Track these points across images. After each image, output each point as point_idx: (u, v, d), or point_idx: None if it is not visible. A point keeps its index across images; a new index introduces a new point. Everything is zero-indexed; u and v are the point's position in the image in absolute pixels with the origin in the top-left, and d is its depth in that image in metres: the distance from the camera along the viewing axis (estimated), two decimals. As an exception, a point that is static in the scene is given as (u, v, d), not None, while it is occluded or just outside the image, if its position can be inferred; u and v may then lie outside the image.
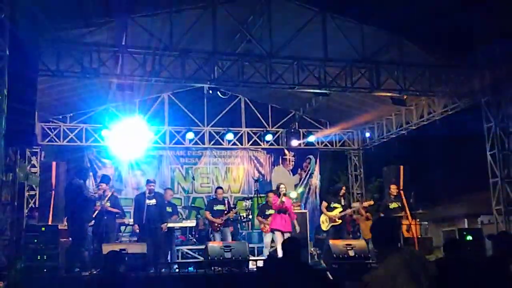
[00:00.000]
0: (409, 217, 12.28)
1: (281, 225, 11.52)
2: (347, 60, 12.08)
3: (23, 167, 12.60)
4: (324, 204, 12.43)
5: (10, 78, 7.99)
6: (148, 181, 11.84)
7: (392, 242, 4.13)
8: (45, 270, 9.31)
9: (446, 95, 13.04)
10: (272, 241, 12.27)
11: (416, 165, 15.76)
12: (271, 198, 11.98)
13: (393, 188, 12.62)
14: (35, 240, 9.49)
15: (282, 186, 11.96)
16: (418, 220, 12.45)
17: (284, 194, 11.81)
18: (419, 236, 12.42)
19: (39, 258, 9.41)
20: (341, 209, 12.15)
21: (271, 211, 12.27)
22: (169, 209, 12.24)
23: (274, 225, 11.65)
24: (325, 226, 12.22)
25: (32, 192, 14.52)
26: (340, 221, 12.10)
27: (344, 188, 12.80)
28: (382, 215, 12.51)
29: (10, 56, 8.04)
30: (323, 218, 12.34)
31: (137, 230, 11.74)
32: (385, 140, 16.51)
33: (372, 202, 13.38)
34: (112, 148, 15.21)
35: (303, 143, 16.79)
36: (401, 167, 14.30)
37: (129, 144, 14.75)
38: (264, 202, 12.99)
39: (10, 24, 8.05)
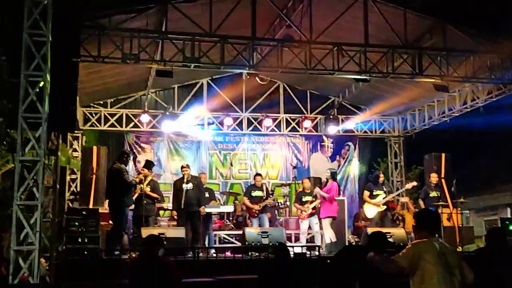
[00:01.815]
0: (450, 206, 12.11)
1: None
2: (389, 46, 11.87)
3: (65, 151, 12.85)
4: (366, 193, 12.38)
5: (52, 63, 8.10)
6: (182, 166, 11.92)
7: (430, 232, 4.55)
8: (85, 252, 9.51)
9: (490, 82, 12.70)
10: (309, 227, 12.30)
11: (458, 153, 15.44)
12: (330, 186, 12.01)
13: (434, 177, 12.45)
14: (76, 223, 9.72)
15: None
16: (459, 209, 12.26)
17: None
18: (460, 225, 12.23)
19: (80, 240, 9.64)
20: (384, 195, 12.08)
21: (307, 198, 12.29)
22: (206, 194, 12.31)
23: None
24: (370, 214, 12.15)
25: (73, 176, 14.79)
26: (385, 207, 12.05)
27: (382, 174, 12.72)
28: (421, 203, 12.35)
29: (53, 42, 8.15)
30: (366, 206, 12.27)
31: (175, 216, 11.86)
32: (426, 127, 16.19)
33: (415, 183, 13.21)
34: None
35: (342, 129, 16.61)
36: (443, 155, 14.08)
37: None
38: (301, 189, 12.98)
39: (52, 11, 8.14)
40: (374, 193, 12.23)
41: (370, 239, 5.93)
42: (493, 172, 20.41)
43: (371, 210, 12.21)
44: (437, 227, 4.81)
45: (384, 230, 11.00)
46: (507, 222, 11.62)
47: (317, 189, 12.34)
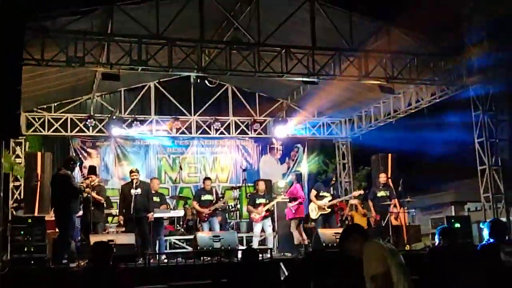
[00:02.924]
0: (398, 205, 12.35)
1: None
2: (336, 49, 12.02)
3: (7, 157, 12.44)
4: (313, 192, 12.46)
5: (-7, 67, 7.82)
6: (130, 171, 11.69)
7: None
8: (32, 262, 9.22)
9: (434, 83, 13.05)
10: (262, 230, 12.34)
11: (404, 153, 15.79)
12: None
13: (382, 177, 12.69)
14: (22, 232, 9.40)
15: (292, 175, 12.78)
16: (406, 208, 12.52)
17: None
18: (408, 224, 12.49)
19: (26, 249, 9.33)
20: (330, 198, 12.19)
21: (261, 200, 12.33)
22: (156, 199, 12.12)
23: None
24: (314, 215, 12.27)
25: (17, 183, 14.33)
26: (329, 210, 12.16)
27: (334, 179, 12.94)
28: (370, 203, 12.58)
29: (-6, 45, 7.86)
30: (312, 206, 12.37)
31: (121, 222, 11.64)
32: (372, 128, 16.48)
33: (362, 192, 13.45)
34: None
35: (291, 132, 16.71)
36: (390, 155, 14.38)
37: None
38: (254, 191, 13.00)
39: (-7, 13, 7.86)
40: (321, 194, 12.33)
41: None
42: (438, 171, 20.98)
43: (315, 211, 12.28)
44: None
45: (333, 230, 11.24)
46: (453, 220, 11.94)
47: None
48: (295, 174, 12.88)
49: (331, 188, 12.47)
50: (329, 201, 12.19)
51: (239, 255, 10.43)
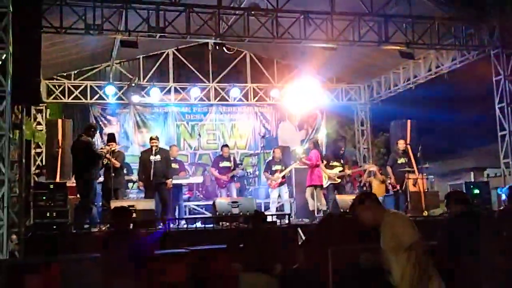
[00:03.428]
0: (416, 171, 12.33)
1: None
2: (355, 14, 11.88)
3: (29, 124, 12.60)
4: (323, 162, 12.45)
5: (14, 36, 7.89)
6: (150, 138, 11.81)
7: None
8: (54, 227, 9.42)
9: (454, 48, 12.87)
10: (279, 196, 12.43)
11: (423, 120, 15.67)
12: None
13: (401, 143, 12.62)
14: (44, 198, 9.58)
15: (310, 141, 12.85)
16: (424, 174, 12.49)
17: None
18: (426, 190, 12.48)
19: (48, 215, 9.52)
20: (340, 168, 12.23)
21: (277, 167, 12.41)
22: (175, 165, 12.26)
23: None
24: (324, 183, 12.27)
25: (38, 150, 14.56)
26: (339, 180, 12.18)
27: (343, 148, 12.90)
28: (390, 169, 12.55)
29: (13, 14, 7.92)
30: (322, 175, 12.39)
31: (141, 188, 11.80)
32: (392, 94, 16.34)
33: (374, 168, 13.56)
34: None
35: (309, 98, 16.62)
36: (409, 121, 14.26)
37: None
38: (271, 158, 13.06)
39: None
40: (331, 163, 12.36)
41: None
42: (457, 137, 20.83)
43: (325, 180, 12.26)
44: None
45: (351, 196, 11.25)
46: (472, 186, 11.91)
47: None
48: (312, 142, 12.80)
49: (341, 158, 12.51)
50: (340, 171, 12.22)
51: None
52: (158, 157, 11.27)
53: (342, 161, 12.47)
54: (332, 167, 12.29)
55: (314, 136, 13.02)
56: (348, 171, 12.60)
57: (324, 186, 12.24)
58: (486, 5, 11.94)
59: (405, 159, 12.38)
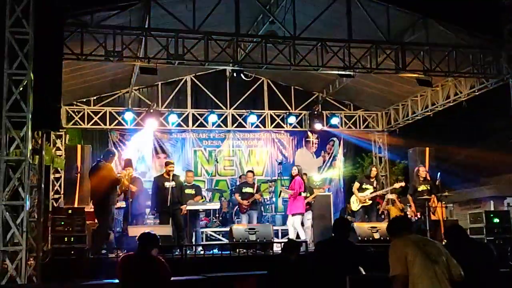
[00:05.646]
0: (435, 200, 12.20)
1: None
2: (372, 41, 11.92)
3: (48, 150, 12.74)
4: (356, 185, 12.59)
5: (35, 62, 8.03)
6: (166, 163, 11.84)
7: (402, 232, 4.89)
8: (72, 252, 9.43)
9: (473, 76, 12.82)
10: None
11: (442, 147, 15.55)
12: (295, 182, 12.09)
13: (422, 171, 12.51)
14: (62, 223, 9.61)
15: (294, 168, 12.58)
16: (443, 202, 12.36)
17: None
18: (445, 219, 12.33)
19: (66, 240, 9.53)
20: (372, 190, 12.23)
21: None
22: (191, 191, 12.25)
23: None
24: (355, 207, 12.39)
25: (57, 175, 14.68)
26: (370, 202, 12.22)
27: (374, 169, 12.83)
28: (410, 198, 12.43)
29: (35, 41, 8.07)
30: (353, 199, 12.54)
31: (153, 214, 11.83)
32: (410, 121, 16.28)
33: (403, 184, 13.28)
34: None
35: (327, 125, 16.66)
36: (427, 149, 14.18)
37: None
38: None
39: (34, 9, 8.06)
40: (363, 186, 12.39)
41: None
42: (476, 165, 20.59)
43: (356, 203, 12.38)
44: (408, 228, 5.01)
45: (370, 224, 11.20)
46: (492, 215, 11.74)
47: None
48: (296, 169, 12.58)
49: (374, 181, 12.48)
50: (371, 192, 12.22)
51: (274, 248, 10.51)
52: (173, 183, 11.32)
53: (374, 185, 12.45)
54: (363, 190, 12.33)
55: (296, 166, 12.84)
56: (379, 192, 12.61)
57: (355, 209, 12.30)
58: (504, 32, 11.90)
59: (426, 186, 12.25)
